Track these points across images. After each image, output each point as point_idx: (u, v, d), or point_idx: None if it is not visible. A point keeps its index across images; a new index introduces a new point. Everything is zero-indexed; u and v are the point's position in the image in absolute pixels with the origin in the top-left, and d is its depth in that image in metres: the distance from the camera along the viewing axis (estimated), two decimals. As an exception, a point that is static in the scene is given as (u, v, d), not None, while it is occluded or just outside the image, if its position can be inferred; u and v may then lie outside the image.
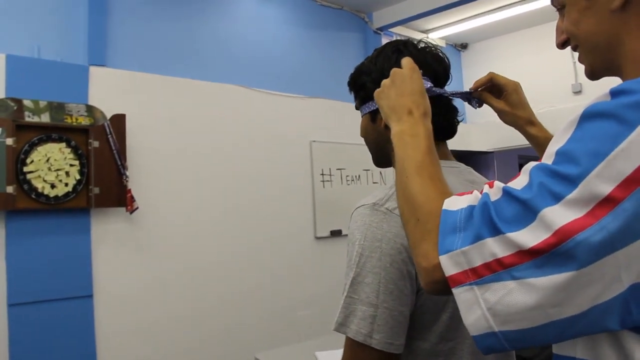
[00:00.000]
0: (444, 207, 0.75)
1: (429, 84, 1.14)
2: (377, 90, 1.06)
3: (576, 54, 0.84)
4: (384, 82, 1.06)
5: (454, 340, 1.06)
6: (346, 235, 4.58)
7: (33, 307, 3.43)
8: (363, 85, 1.22)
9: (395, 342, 0.99)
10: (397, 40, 1.25)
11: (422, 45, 1.22)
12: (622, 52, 0.77)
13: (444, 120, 1.18)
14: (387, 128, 1.19)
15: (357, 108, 1.29)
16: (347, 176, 5.49)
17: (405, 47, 1.20)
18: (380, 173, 5.79)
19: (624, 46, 0.76)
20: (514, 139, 7.13)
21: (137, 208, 3.82)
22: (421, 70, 1.08)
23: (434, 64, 1.19)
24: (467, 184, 1.19)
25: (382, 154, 1.26)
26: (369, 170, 5.64)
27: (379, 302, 0.98)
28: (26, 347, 3.37)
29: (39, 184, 3.45)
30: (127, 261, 3.88)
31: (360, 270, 1.00)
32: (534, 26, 6.73)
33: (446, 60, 1.23)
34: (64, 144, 3.57)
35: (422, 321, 1.04)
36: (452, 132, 1.22)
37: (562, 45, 0.88)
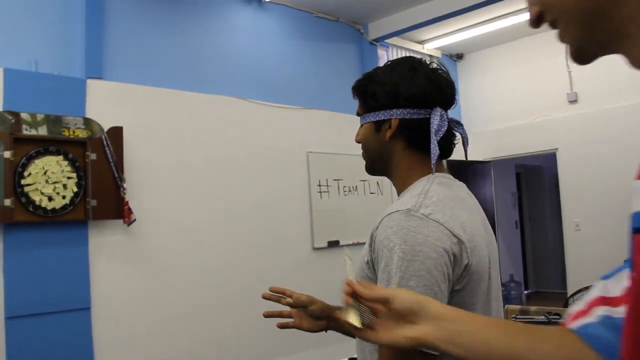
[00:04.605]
0: None
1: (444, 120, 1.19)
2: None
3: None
4: None
5: None
6: (345, 245, 4.58)
7: (31, 319, 3.41)
8: (374, 94, 1.24)
9: None
10: (411, 57, 1.28)
11: (434, 66, 1.25)
12: (620, 16, 0.53)
13: (445, 143, 1.22)
14: (391, 139, 1.21)
15: (358, 114, 1.31)
16: (344, 187, 5.50)
17: (420, 67, 1.23)
18: (378, 183, 5.80)
19: (623, 8, 0.53)
20: (511, 148, 7.20)
21: (134, 220, 3.82)
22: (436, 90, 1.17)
23: (445, 87, 1.23)
24: (469, 197, 1.24)
25: (379, 163, 1.29)
26: (365, 180, 5.65)
27: None
28: (23, 361, 3.35)
29: (36, 197, 3.45)
30: (124, 273, 3.87)
31: (404, 274, 1.01)
32: (528, 36, 6.77)
33: (454, 85, 1.26)
34: (61, 157, 3.57)
35: None
36: (450, 153, 1.26)
37: (536, 21, 0.62)
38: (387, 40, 6.34)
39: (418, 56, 1.32)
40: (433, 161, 1.16)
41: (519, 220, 9.07)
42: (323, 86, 5.60)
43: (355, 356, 1.80)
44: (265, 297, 1.60)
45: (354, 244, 5.34)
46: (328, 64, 5.76)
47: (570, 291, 6.13)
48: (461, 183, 1.27)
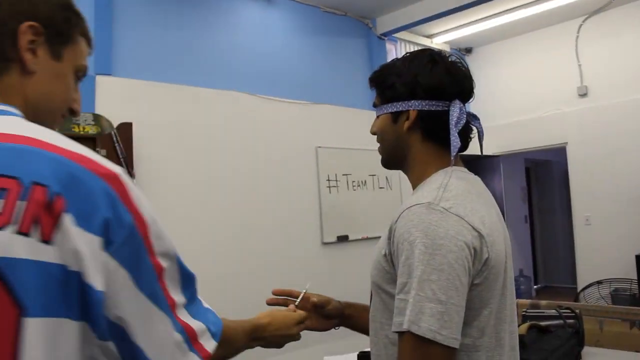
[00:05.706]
0: None
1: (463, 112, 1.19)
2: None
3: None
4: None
5: (482, 338, 1.09)
6: (354, 240, 4.56)
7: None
8: (391, 85, 1.23)
9: (458, 337, 1.00)
10: (430, 49, 1.27)
11: (452, 58, 1.24)
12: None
13: (462, 137, 1.20)
14: (409, 131, 1.20)
15: (375, 105, 1.30)
16: (353, 181, 5.50)
17: (440, 59, 1.22)
18: (387, 178, 5.79)
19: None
20: (521, 142, 7.16)
21: (144, 216, 3.83)
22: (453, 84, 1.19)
23: (464, 81, 1.23)
24: (485, 191, 1.23)
25: (395, 156, 1.28)
26: (374, 175, 5.65)
27: (446, 299, 0.99)
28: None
29: (47, 193, 3.46)
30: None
31: (425, 267, 1.01)
32: (538, 29, 6.73)
33: (472, 78, 1.26)
34: (71, 153, 3.59)
35: (465, 317, 1.05)
36: (467, 147, 1.25)
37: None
38: (395, 35, 6.32)
39: None
40: (453, 153, 1.15)
41: (528, 215, 9.04)
42: (331, 81, 5.59)
43: (364, 350, 1.81)
44: (269, 303, 1.61)
45: (363, 239, 5.34)
46: (336, 59, 5.75)
47: (580, 286, 6.10)
48: (476, 177, 1.25)
